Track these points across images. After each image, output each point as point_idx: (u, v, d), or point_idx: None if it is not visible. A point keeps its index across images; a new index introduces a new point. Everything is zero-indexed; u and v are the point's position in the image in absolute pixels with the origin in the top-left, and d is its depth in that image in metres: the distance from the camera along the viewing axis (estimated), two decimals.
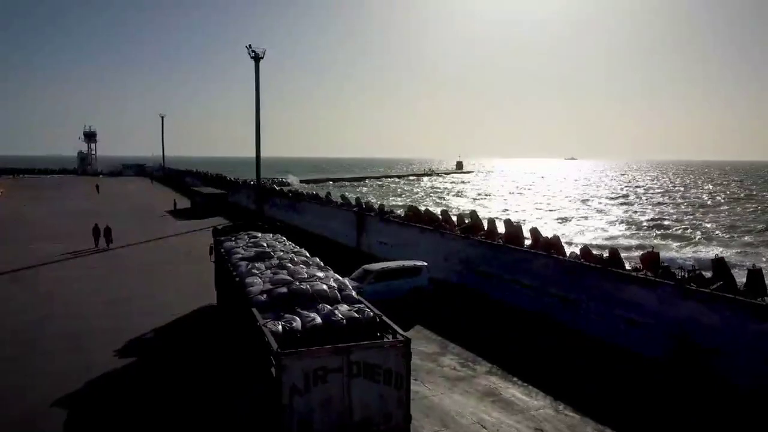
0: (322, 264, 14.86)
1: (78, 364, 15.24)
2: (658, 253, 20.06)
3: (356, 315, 10.92)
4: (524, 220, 53.67)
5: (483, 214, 39.61)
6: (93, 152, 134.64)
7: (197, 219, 47.78)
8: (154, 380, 14.39)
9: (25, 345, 16.77)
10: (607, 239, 51.18)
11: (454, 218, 29.74)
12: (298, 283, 12.01)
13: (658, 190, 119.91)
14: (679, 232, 57.01)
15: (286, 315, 10.78)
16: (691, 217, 69.60)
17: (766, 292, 14.27)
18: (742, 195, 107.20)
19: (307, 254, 16.35)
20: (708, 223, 63.33)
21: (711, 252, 44.38)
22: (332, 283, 12.34)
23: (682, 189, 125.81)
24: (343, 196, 45.54)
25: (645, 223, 62.33)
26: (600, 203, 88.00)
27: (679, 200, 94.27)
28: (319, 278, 12.63)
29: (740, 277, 16.63)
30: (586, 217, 68.76)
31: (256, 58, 41.62)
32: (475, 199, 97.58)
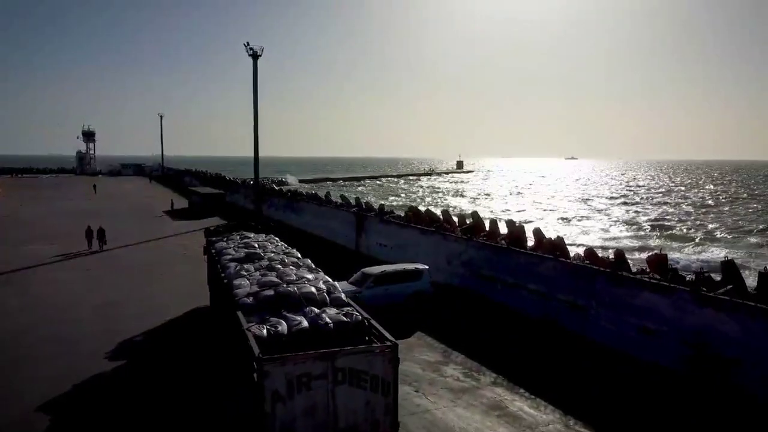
0: (313, 265, 14.58)
1: (64, 370, 14.58)
2: (665, 255, 19.37)
3: (344, 318, 10.63)
4: (526, 220, 53.03)
5: (483, 214, 38.95)
6: (92, 152, 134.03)
7: (194, 219, 47.14)
8: (142, 386, 13.87)
9: (9, 351, 16.10)
10: (608, 240, 50.49)
11: (455, 219, 29.05)
12: (285, 286, 11.73)
13: (660, 190, 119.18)
14: (683, 232, 56.30)
15: (272, 318, 10.49)
16: (694, 217, 68.89)
17: None
18: (744, 194, 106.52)
19: (299, 255, 16.07)
20: (711, 223, 62.62)
21: (714, 252, 43.79)
22: (321, 286, 12.03)
23: (683, 189, 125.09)
24: (342, 196, 44.87)
25: (647, 224, 61.59)
26: (601, 203, 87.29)
27: (681, 200, 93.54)
28: (308, 280, 12.37)
29: (747, 278, 15.99)
30: (587, 218, 68.06)
31: (254, 56, 41.26)
32: (474, 198, 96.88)
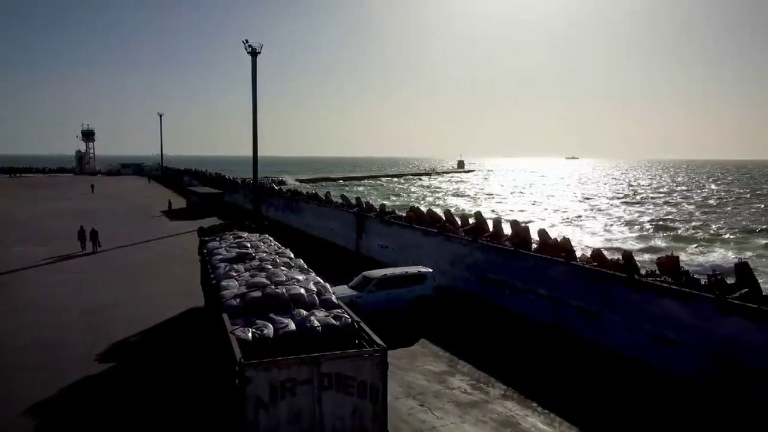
0: (305, 266, 14.30)
1: (47, 380, 13.73)
2: (677, 258, 18.55)
3: (333, 321, 10.24)
4: (528, 221, 52.13)
5: (485, 214, 38.11)
6: (91, 151, 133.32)
7: (192, 219, 46.25)
8: (129, 394, 13.17)
9: None
10: (609, 240, 49.60)
11: (458, 219, 28.21)
12: (273, 287, 11.38)
13: (663, 190, 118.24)
14: (688, 233, 55.35)
15: (258, 321, 10.13)
16: (698, 217, 67.97)
17: None
18: (747, 194, 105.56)
19: (291, 255, 15.78)
20: (716, 223, 61.67)
21: (722, 254, 42.83)
22: (311, 287, 11.72)
23: (685, 188, 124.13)
24: (343, 196, 44.01)
25: (651, 224, 60.61)
26: (603, 203, 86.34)
27: (683, 200, 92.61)
28: (298, 281, 12.08)
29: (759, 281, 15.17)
30: (589, 218, 67.14)
31: (253, 53, 40.81)
32: (474, 198, 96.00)
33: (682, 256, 40.11)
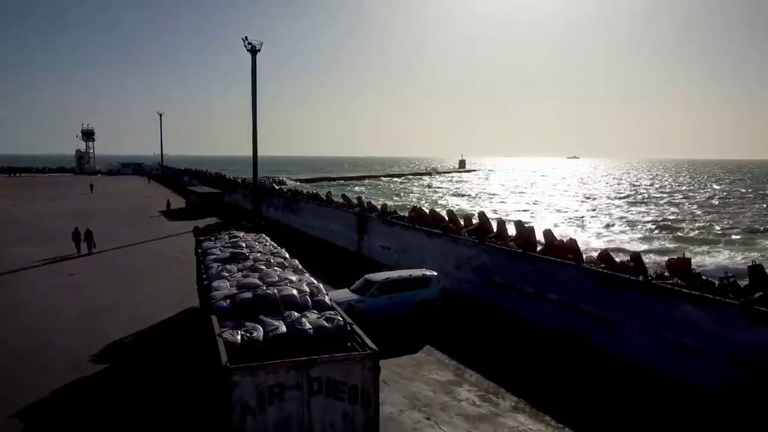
0: (299, 266, 14.11)
1: (33, 390, 13.03)
2: (689, 260, 17.81)
3: (325, 324, 9.88)
4: (530, 221, 51.39)
5: (487, 214, 37.48)
6: (91, 151, 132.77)
7: (191, 219, 45.52)
8: (118, 404, 12.55)
9: None
10: (613, 241, 48.79)
11: (461, 220, 27.50)
12: (265, 288, 11.10)
13: (667, 190, 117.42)
14: (693, 233, 54.54)
15: (248, 323, 9.79)
16: (702, 217, 67.17)
17: None
18: (750, 194, 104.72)
19: (286, 255, 15.56)
20: (721, 223, 60.87)
21: (725, 254, 42.02)
22: (304, 288, 11.40)
23: (688, 188, 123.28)
24: (344, 196, 43.30)
25: (655, 224, 59.78)
26: (606, 203, 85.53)
27: (686, 200, 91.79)
28: (291, 282, 11.77)
29: None
30: (593, 218, 66.33)
31: (253, 51, 40.28)
32: (475, 197, 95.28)
33: (691, 258, 39.33)
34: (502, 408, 12.39)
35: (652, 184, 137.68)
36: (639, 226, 58.86)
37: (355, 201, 37.69)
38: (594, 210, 74.98)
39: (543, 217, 64.38)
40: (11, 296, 21.81)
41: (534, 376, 14.15)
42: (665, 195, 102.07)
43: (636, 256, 19.12)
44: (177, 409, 12.22)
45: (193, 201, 55.04)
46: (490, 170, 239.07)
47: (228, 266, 13.77)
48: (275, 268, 13.41)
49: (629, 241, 49.96)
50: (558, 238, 21.80)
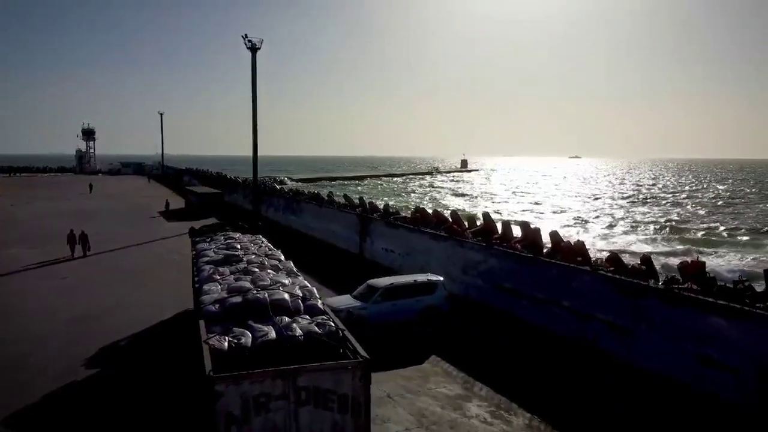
0: (294, 269, 13.81)
1: (16, 404, 12.30)
2: (703, 263, 17.06)
3: (316, 329, 9.62)
4: (536, 221, 50.59)
5: (490, 214, 36.83)
6: (91, 150, 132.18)
7: (191, 220, 44.77)
8: (110, 410, 12.04)
9: None
10: (616, 242, 48.02)
11: (465, 221, 26.76)
12: (255, 292, 10.80)
13: (670, 190, 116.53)
14: (699, 234, 53.72)
15: (236, 329, 9.49)
16: (708, 217, 66.32)
17: None
18: (753, 194, 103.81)
19: (281, 257, 15.28)
20: (726, 224, 59.99)
21: (739, 257, 41.22)
22: (296, 292, 11.15)
23: (691, 188, 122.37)
24: (345, 196, 42.60)
25: (660, 225, 58.92)
26: (609, 203, 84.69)
27: (691, 200, 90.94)
28: (284, 285, 11.52)
29: None
30: (596, 218, 65.47)
31: (253, 49, 39.76)
32: (477, 197, 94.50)
33: (690, 258, 38.46)
34: (515, 426, 11.60)
35: (654, 184, 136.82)
36: (644, 227, 58.03)
37: (356, 201, 36.99)
38: (597, 210, 74.17)
39: (546, 218, 63.60)
40: (1, 301, 21.06)
41: (547, 389, 13.37)
42: (668, 195, 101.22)
43: (646, 259, 18.40)
44: (163, 419, 11.69)
45: (193, 201, 54.34)
46: (491, 170, 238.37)
47: (221, 269, 13.53)
48: (269, 270, 13.13)
49: (635, 242, 49.16)
50: (565, 240, 21.09)
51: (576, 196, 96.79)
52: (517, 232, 23.94)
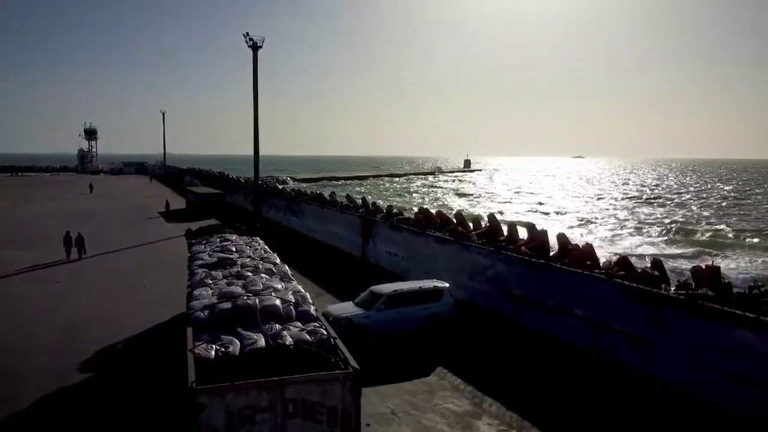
0: (288, 272, 13.67)
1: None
2: (718, 268, 16.25)
3: (307, 337, 9.34)
4: (541, 222, 49.72)
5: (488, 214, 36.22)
6: (94, 150, 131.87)
7: (191, 221, 44.05)
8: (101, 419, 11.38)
9: None
10: (619, 244, 47.21)
11: (470, 223, 26.00)
12: (245, 298, 10.53)
13: (676, 190, 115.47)
14: (707, 236, 52.79)
15: (224, 337, 9.20)
16: (716, 219, 65.35)
17: None
18: (759, 195, 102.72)
19: (277, 260, 15.05)
20: (736, 226, 59.05)
21: (749, 261, 40.32)
22: (289, 297, 10.88)
23: (697, 189, 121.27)
24: (348, 196, 41.88)
25: (666, 226, 58.01)
26: (614, 204, 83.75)
27: (698, 200, 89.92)
28: (276, 290, 11.27)
29: None
30: (602, 219, 64.58)
31: (254, 47, 39.38)
32: (480, 197, 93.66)
33: (704, 262, 37.54)
34: None
35: (658, 185, 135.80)
36: (650, 228, 57.17)
37: (359, 202, 36.28)
38: (602, 211, 73.30)
39: (551, 219, 62.78)
40: None
41: (561, 405, 12.58)
42: (673, 196, 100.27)
43: (657, 262, 17.64)
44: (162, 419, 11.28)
45: (193, 201, 53.65)
46: (494, 170, 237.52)
47: (213, 272, 13.22)
48: (262, 275, 12.83)
49: (641, 244, 48.34)
50: (573, 243, 20.32)
51: (580, 197, 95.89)
52: (523, 233, 23.20)
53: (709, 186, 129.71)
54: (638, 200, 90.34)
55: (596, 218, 65.70)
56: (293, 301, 10.74)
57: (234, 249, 16.35)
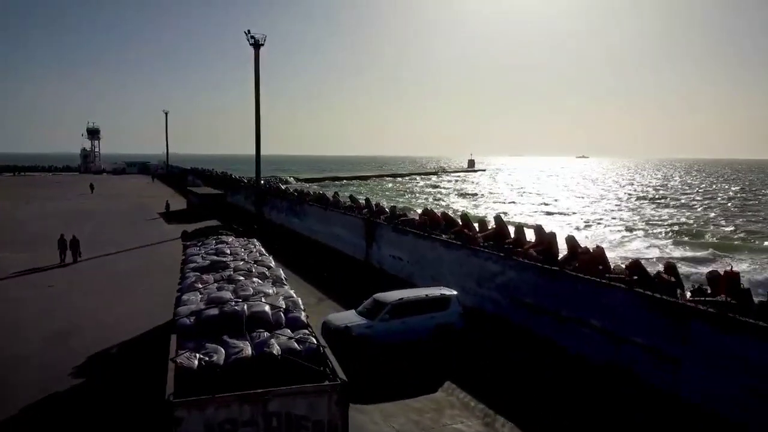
0: (283, 277, 13.33)
1: None
2: (737, 273, 15.36)
3: (295, 346, 8.99)
4: (548, 224, 48.74)
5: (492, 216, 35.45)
6: (96, 149, 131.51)
7: (191, 222, 43.28)
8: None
9: None
10: (625, 245, 46.26)
11: (476, 224, 25.15)
12: (233, 304, 10.14)
13: (681, 191, 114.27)
14: (716, 239, 51.72)
15: (209, 345, 8.87)
16: (724, 220, 64.24)
17: None
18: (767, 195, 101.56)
19: (271, 263, 14.72)
20: (745, 227, 57.98)
21: (756, 263, 39.31)
22: (279, 303, 10.54)
23: (704, 189, 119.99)
24: (351, 197, 41.05)
25: (674, 228, 57.00)
26: (618, 204, 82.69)
27: (705, 201, 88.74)
28: (267, 296, 10.94)
29: None
30: (608, 220, 63.54)
31: (256, 45, 38.77)
32: (484, 197, 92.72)
33: (716, 267, 36.49)
34: None
35: (664, 185, 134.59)
36: (658, 230, 56.21)
37: (362, 202, 35.47)
38: (608, 212, 72.27)
39: (557, 220, 61.84)
40: None
41: (580, 426, 11.71)
42: (680, 196, 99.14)
43: (671, 267, 16.78)
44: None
45: (194, 202, 52.97)
46: (497, 170, 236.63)
47: (205, 276, 12.89)
48: (254, 279, 12.52)
49: (649, 246, 47.36)
50: (583, 246, 19.47)
51: (585, 197, 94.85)
52: (530, 236, 22.38)
53: (714, 186, 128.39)
54: (644, 201, 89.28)
55: (602, 219, 64.73)
56: (284, 306, 10.42)
57: (228, 251, 15.99)
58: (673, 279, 15.65)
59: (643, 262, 20.41)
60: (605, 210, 74.84)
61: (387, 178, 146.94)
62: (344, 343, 14.95)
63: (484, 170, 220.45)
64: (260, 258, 15.38)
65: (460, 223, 25.45)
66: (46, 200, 61.41)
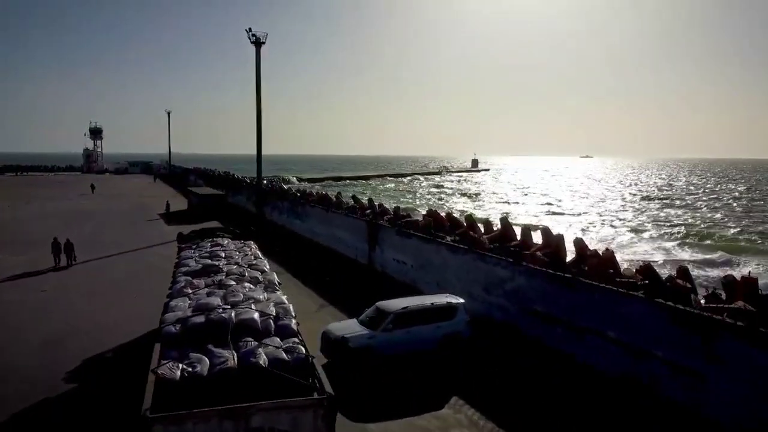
0: (276, 281, 12.95)
1: None
2: (756, 279, 14.63)
3: (283, 356, 8.71)
4: (553, 225, 47.94)
5: (496, 216, 34.72)
6: (99, 149, 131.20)
7: (191, 223, 42.63)
8: None
9: None
10: (640, 248, 45.43)
11: (481, 225, 24.46)
12: (221, 311, 9.79)
13: (686, 190, 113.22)
14: (724, 240, 50.78)
15: (193, 354, 8.55)
16: (731, 221, 63.28)
17: None
18: None
19: (266, 267, 14.27)
20: (751, 228, 57.04)
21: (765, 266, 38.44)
22: (270, 309, 10.21)
23: (709, 189, 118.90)
24: (354, 197, 40.35)
25: (681, 229, 56.08)
26: (624, 205, 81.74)
27: (710, 201, 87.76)
28: (257, 302, 10.62)
29: None
30: (614, 221, 62.66)
31: (257, 43, 38.30)
32: (488, 197, 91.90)
33: (731, 271, 35.68)
34: None
35: (669, 184, 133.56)
36: (665, 230, 55.36)
37: (365, 202, 34.78)
38: (614, 213, 71.39)
39: (562, 221, 61.01)
40: None
41: None
42: (686, 196, 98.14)
43: (684, 271, 16.07)
44: None
45: (194, 202, 52.39)
46: (500, 169, 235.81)
47: (195, 281, 12.55)
48: (245, 284, 12.17)
49: (657, 248, 46.52)
50: (592, 249, 18.78)
51: (590, 197, 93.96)
52: (537, 238, 21.71)
53: (719, 187, 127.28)
54: (649, 201, 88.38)
55: (608, 220, 63.88)
56: (273, 314, 10.09)
57: (223, 255, 15.53)
58: (688, 285, 14.94)
59: (652, 264, 19.81)
60: (610, 210, 73.97)
61: (389, 178, 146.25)
62: (345, 354, 14.24)
63: (488, 170, 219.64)
64: (255, 261, 14.93)
65: (465, 224, 24.77)
66: (47, 200, 61.08)
